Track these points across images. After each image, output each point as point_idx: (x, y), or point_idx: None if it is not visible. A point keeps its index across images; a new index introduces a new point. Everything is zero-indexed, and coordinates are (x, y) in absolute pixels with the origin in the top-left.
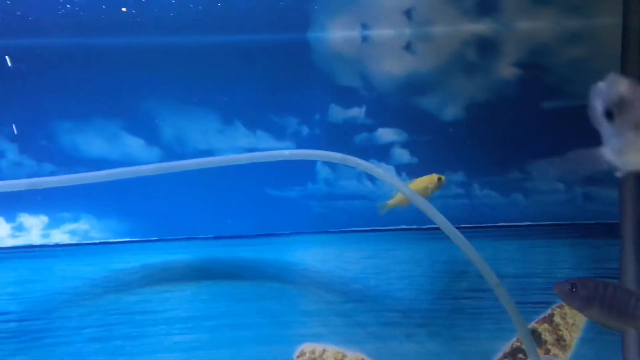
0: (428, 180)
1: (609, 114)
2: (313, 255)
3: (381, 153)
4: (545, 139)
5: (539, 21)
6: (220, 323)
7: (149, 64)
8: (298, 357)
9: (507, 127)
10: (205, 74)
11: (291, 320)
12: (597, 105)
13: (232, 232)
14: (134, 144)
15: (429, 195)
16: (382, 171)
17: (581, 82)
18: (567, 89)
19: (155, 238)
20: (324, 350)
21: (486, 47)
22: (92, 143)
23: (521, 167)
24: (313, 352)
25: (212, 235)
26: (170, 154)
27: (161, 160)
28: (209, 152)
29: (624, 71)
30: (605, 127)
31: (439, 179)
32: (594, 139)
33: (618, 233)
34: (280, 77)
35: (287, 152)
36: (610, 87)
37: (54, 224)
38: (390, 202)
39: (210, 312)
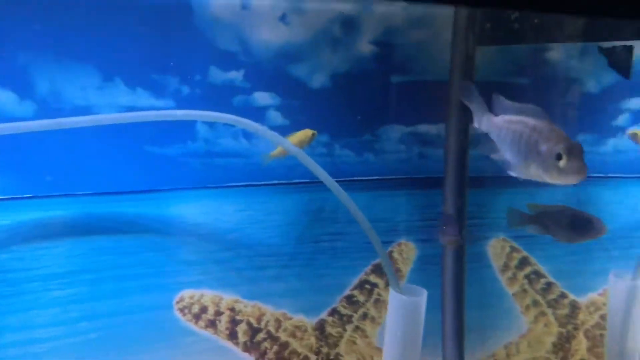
0: (303, 134)
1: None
2: (193, 209)
3: (257, 115)
4: (392, 108)
5: (392, 6)
6: (101, 276)
7: (25, 14)
8: (177, 302)
9: (362, 96)
10: (83, 28)
11: (172, 270)
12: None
13: (112, 189)
14: (6, 98)
15: (304, 148)
16: (269, 130)
17: (422, 60)
18: (411, 66)
19: (29, 195)
20: (202, 295)
21: (349, 25)
22: None
23: (372, 131)
24: (192, 297)
25: (90, 192)
26: (46, 109)
27: (37, 117)
28: (87, 109)
29: (453, 53)
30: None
31: (313, 134)
32: (430, 109)
33: (442, 184)
34: (162, 36)
35: (180, 112)
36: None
37: None
38: (273, 153)
39: (91, 266)
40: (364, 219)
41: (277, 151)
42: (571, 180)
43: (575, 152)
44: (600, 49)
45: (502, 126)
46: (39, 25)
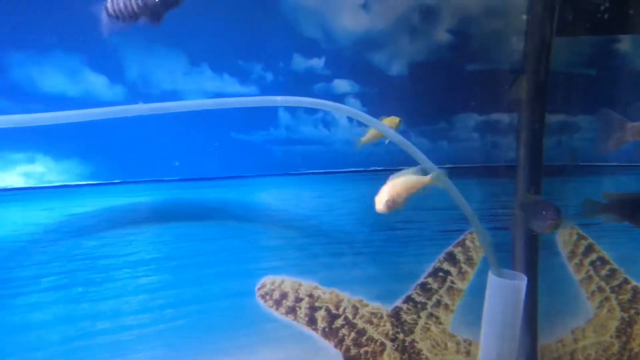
0: (390, 121)
1: None
2: (273, 196)
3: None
4: (467, 96)
5: None
6: (184, 263)
7: None
8: (259, 289)
9: (438, 85)
10: (173, 14)
11: (253, 256)
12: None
13: (196, 175)
14: (97, 81)
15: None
16: (368, 116)
17: (497, 49)
18: (486, 55)
19: (118, 181)
20: (282, 281)
21: (427, 13)
22: (50, 78)
23: (447, 119)
24: (273, 283)
25: (177, 178)
26: (135, 93)
27: (126, 101)
28: (174, 94)
29: (527, 42)
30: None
31: (400, 121)
32: (504, 98)
33: (515, 172)
34: (248, 23)
35: (279, 98)
36: None
37: (5, 165)
38: (363, 139)
39: (175, 253)
40: (465, 204)
41: (367, 137)
42: None
43: None
44: None
45: None
46: None
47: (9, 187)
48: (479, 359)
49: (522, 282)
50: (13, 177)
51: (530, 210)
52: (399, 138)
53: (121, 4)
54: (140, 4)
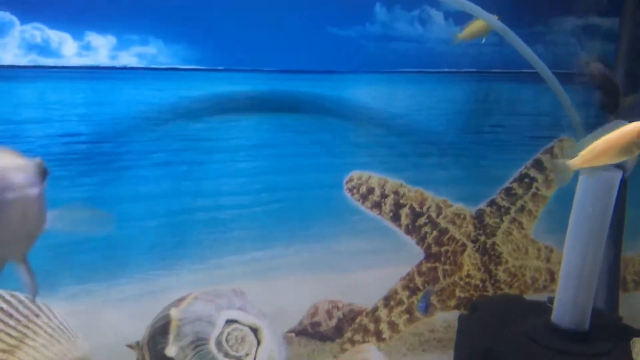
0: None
1: None
2: (366, 93)
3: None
4: None
5: None
6: (280, 152)
7: None
8: (347, 182)
9: None
10: None
11: (343, 150)
12: None
13: (295, 67)
14: None
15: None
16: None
17: None
18: None
19: (222, 67)
20: (369, 177)
21: None
22: None
23: (544, 22)
24: (360, 178)
25: (275, 69)
26: None
27: None
28: None
29: None
30: None
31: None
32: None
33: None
34: None
35: None
36: None
37: (121, 45)
38: (461, 35)
39: (272, 141)
40: (570, 105)
41: (465, 33)
42: None
43: None
44: None
45: None
46: None
47: (125, 65)
48: (562, 266)
49: (616, 174)
50: (128, 56)
51: (628, 112)
52: (509, 32)
53: None
54: None
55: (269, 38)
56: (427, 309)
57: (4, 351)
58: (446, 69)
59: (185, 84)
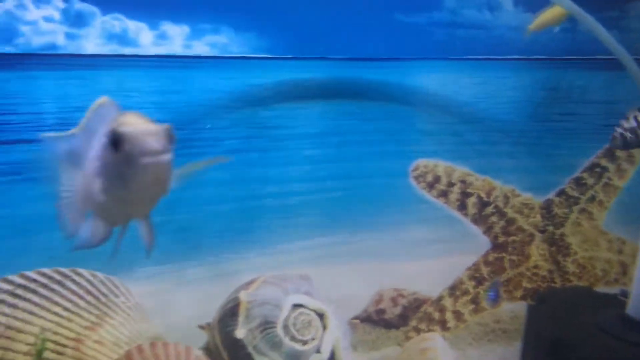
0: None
1: None
2: (432, 80)
3: None
4: None
5: None
6: (345, 139)
7: None
8: (413, 170)
9: None
10: None
11: (409, 138)
12: None
13: (360, 54)
14: None
15: (560, 23)
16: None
17: None
18: None
19: (290, 56)
20: (435, 165)
21: None
22: None
23: (620, 6)
24: (426, 166)
25: (341, 56)
26: None
27: None
28: None
29: None
30: None
31: None
32: None
33: None
34: None
35: None
36: None
37: (195, 34)
38: (531, 26)
39: (338, 129)
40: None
41: (536, 23)
42: None
43: None
44: None
45: None
46: None
47: (198, 54)
48: (638, 258)
49: None
50: (201, 45)
51: None
52: (587, 16)
53: None
54: None
55: (336, 26)
56: (497, 299)
57: (86, 327)
58: (515, 56)
59: (255, 72)
